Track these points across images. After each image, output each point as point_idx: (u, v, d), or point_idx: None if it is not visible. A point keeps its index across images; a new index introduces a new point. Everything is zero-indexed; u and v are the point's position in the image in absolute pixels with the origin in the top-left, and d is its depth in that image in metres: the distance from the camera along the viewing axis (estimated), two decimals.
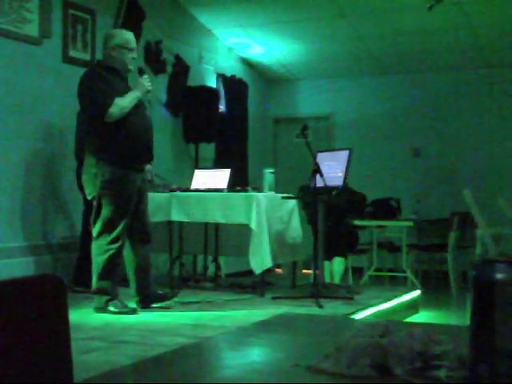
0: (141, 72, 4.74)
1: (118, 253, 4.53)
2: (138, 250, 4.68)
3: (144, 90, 4.56)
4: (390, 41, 8.07)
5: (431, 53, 8.28)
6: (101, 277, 4.51)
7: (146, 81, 4.59)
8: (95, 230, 4.52)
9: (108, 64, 4.55)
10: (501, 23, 7.36)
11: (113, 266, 4.52)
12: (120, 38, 4.58)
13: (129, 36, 4.62)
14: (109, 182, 4.42)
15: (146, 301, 4.73)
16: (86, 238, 5.50)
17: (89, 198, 4.58)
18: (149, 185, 4.95)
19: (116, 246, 4.48)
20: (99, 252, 4.50)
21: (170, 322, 4.34)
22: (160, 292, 4.86)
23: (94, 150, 4.47)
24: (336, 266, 6.63)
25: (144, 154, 4.61)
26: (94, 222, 4.54)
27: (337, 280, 6.56)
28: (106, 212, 4.46)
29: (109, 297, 4.53)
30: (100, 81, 4.44)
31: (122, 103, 4.41)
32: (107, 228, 4.47)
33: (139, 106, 4.56)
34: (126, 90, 4.52)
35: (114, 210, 4.46)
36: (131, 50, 4.59)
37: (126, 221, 4.50)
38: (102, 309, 4.53)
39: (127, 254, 4.66)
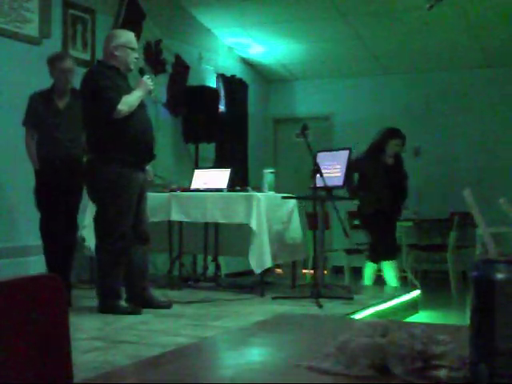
0: (142, 72, 4.76)
1: (123, 252, 4.52)
2: (137, 249, 4.67)
3: (147, 89, 4.60)
4: (390, 41, 8.07)
5: (431, 53, 8.28)
6: (106, 277, 4.50)
7: (148, 81, 4.62)
8: (99, 230, 4.52)
9: (110, 63, 4.57)
10: (501, 23, 7.36)
11: (118, 266, 4.51)
12: (124, 37, 4.62)
13: (132, 36, 4.69)
14: (113, 181, 4.43)
15: (140, 303, 4.67)
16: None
17: (90, 197, 4.57)
18: (149, 184, 4.98)
19: (121, 245, 4.49)
20: (104, 251, 4.50)
21: (170, 322, 4.34)
22: (156, 298, 4.80)
23: (97, 150, 4.48)
24: (388, 270, 6.13)
25: (147, 154, 4.64)
26: (98, 222, 4.53)
27: (394, 284, 6.11)
28: (110, 211, 4.46)
29: (113, 297, 4.52)
30: (105, 79, 4.46)
31: (130, 100, 4.45)
32: (111, 227, 4.47)
33: (141, 106, 4.58)
34: (128, 89, 4.55)
35: (119, 209, 4.46)
36: (134, 49, 4.64)
37: (129, 219, 4.52)
38: (107, 309, 4.53)
39: None
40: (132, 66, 4.66)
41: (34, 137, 4.99)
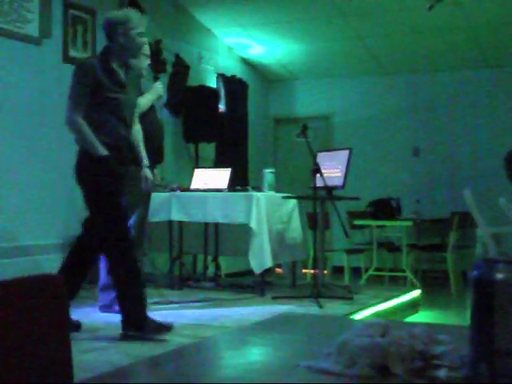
0: (155, 78, 4.86)
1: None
2: None
3: (158, 95, 4.79)
4: (390, 41, 8.07)
5: (431, 53, 8.28)
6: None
7: (159, 87, 4.80)
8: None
9: None
10: (501, 23, 7.36)
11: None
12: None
13: (147, 43, 4.79)
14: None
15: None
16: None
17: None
18: (150, 185, 4.99)
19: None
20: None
21: (170, 322, 4.33)
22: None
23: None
24: None
25: (156, 155, 4.74)
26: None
27: None
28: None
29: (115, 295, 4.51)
30: None
31: (142, 101, 4.58)
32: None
33: (152, 109, 4.73)
34: (139, 93, 4.63)
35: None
36: (148, 56, 4.77)
37: (131, 219, 4.55)
38: (108, 306, 4.52)
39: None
40: (144, 72, 4.78)
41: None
